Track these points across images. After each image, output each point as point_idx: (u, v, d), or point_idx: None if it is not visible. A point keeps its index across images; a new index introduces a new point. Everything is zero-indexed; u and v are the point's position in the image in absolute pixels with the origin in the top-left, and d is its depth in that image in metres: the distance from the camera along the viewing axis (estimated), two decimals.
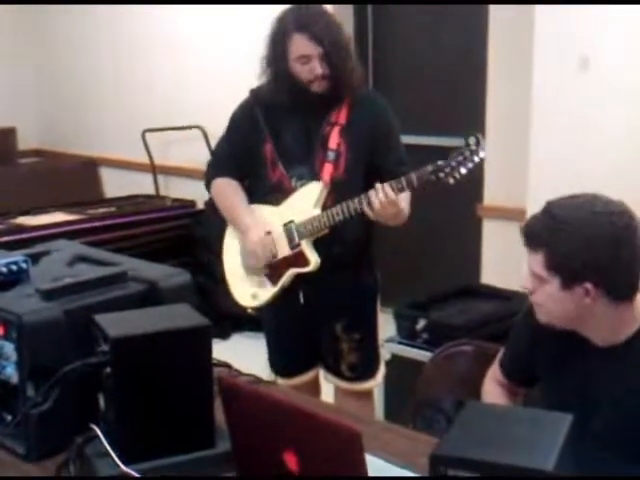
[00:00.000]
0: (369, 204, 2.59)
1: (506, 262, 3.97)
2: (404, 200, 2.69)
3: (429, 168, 2.54)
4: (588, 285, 1.77)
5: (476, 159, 2.53)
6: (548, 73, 3.45)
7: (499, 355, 2.14)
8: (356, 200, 2.63)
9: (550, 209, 1.80)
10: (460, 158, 2.52)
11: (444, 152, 2.59)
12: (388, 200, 2.55)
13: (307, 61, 2.68)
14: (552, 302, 1.82)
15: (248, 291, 2.90)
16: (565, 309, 1.82)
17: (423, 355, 3.21)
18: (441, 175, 2.53)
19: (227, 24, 5.16)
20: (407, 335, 3.47)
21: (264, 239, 2.79)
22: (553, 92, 3.45)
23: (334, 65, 2.69)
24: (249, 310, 2.94)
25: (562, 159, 3.45)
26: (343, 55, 2.71)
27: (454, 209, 4.66)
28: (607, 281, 1.77)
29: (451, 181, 2.53)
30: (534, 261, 1.81)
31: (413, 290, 4.38)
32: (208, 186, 2.97)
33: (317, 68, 2.68)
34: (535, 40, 3.45)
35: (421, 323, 3.42)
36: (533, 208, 1.90)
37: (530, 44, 3.49)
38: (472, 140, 2.52)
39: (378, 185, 2.58)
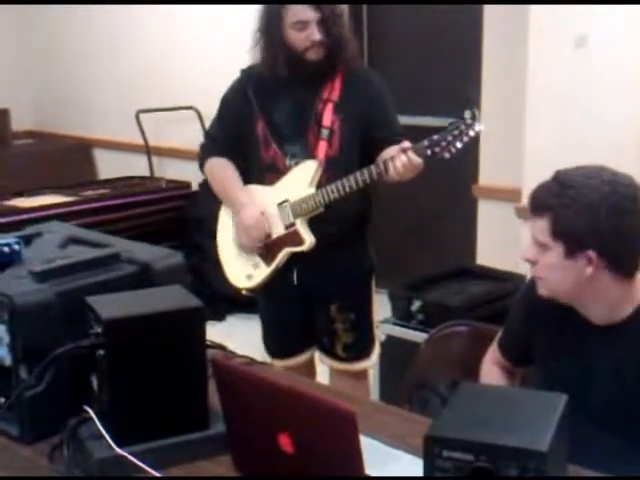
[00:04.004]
0: (386, 170, 2.55)
1: (502, 243, 3.97)
2: None
3: (425, 143, 2.53)
4: (591, 253, 1.77)
5: (472, 133, 2.52)
6: (544, 52, 3.43)
7: (498, 335, 2.14)
8: (365, 171, 2.60)
9: (558, 177, 1.82)
10: (456, 132, 2.51)
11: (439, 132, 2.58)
12: (412, 165, 2.53)
13: (304, 27, 2.66)
14: (554, 272, 1.82)
15: (242, 272, 2.89)
16: (567, 279, 1.81)
17: (418, 336, 3.21)
18: (437, 149, 2.52)
19: (222, 5, 5.12)
20: (402, 316, 3.47)
21: (258, 219, 2.78)
22: (549, 71, 3.44)
23: (330, 31, 2.67)
24: (243, 291, 2.93)
25: (558, 139, 3.44)
26: (339, 22, 2.71)
27: (449, 190, 4.66)
28: (610, 251, 1.77)
29: (447, 155, 2.53)
30: (538, 227, 1.81)
31: (408, 271, 4.38)
32: (202, 167, 2.96)
33: (315, 34, 2.66)
34: (531, 19, 3.44)
35: (416, 304, 3.42)
36: (529, 189, 1.90)
37: (526, 24, 3.47)
38: (468, 114, 2.51)
39: (399, 151, 2.54)
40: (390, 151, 2.63)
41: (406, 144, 2.56)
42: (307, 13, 2.64)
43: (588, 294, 1.83)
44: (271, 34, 2.71)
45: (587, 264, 1.78)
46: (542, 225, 1.80)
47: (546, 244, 1.81)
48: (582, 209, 1.75)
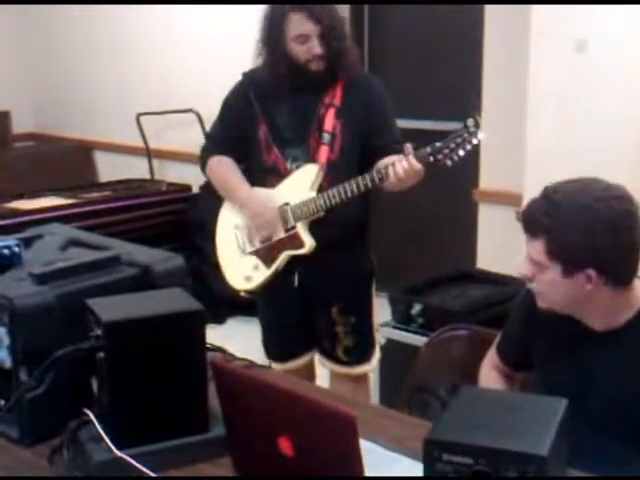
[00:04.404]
0: (387, 175, 2.56)
1: (502, 247, 3.97)
2: None
3: (427, 150, 2.53)
4: (590, 272, 1.76)
5: (474, 141, 2.52)
6: (544, 56, 3.43)
7: (496, 340, 2.13)
8: (367, 176, 2.60)
9: (549, 194, 1.79)
10: (459, 140, 2.51)
11: (440, 137, 2.58)
12: (414, 171, 2.53)
13: (305, 40, 2.67)
14: (553, 289, 1.81)
15: (241, 273, 2.89)
16: (566, 295, 1.81)
17: (418, 340, 3.21)
18: (439, 157, 2.52)
19: (223, 7, 5.12)
20: (402, 320, 3.46)
21: (267, 202, 2.77)
22: (549, 75, 3.43)
23: (331, 44, 2.68)
24: (242, 293, 2.93)
25: (558, 143, 3.43)
26: (340, 34, 2.72)
27: (450, 194, 4.65)
28: (608, 267, 1.76)
29: (449, 163, 2.53)
30: (534, 248, 1.80)
31: (409, 275, 4.38)
32: (204, 168, 2.95)
33: (316, 47, 2.67)
34: (532, 23, 3.43)
35: (416, 308, 3.42)
36: (530, 193, 1.89)
37: (527, 27, 3.47)
38: (470, 122, 2.51)
39: (401, 157, 2.55)
40: (392, 157, 2.63)
41: (408, 149, 2.56)
42: (307, 27, 2.65)
43: (588, 305, 1.83)
44: (273, 46, 2.72)
45: (586, 282, 1.77)
46: (537, 246, 1.79)
47: (543, 264, 1.79)
48: (576, 229, 1.73)
